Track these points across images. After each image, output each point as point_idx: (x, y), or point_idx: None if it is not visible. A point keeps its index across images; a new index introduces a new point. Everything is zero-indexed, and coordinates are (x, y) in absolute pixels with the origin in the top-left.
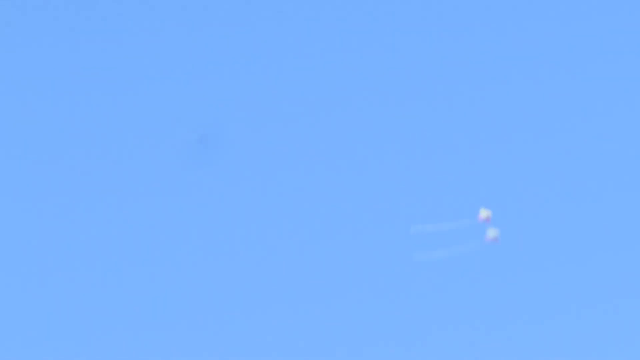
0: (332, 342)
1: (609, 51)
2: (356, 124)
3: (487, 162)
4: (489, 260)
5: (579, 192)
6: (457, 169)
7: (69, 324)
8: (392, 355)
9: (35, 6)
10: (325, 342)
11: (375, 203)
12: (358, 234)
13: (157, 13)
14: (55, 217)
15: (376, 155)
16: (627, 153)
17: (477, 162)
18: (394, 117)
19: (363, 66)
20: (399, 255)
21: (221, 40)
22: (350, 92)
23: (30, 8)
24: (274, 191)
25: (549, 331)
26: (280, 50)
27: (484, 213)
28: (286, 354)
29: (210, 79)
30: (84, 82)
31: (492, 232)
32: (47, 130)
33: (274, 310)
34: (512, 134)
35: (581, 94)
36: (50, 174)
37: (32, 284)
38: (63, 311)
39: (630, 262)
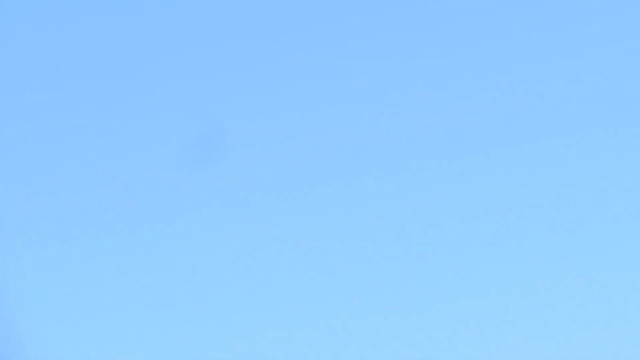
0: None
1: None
2: (358, 123)
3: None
4: None
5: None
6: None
7: (68, 324)
8: None
9: (32, 4)
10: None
11: (379, 202)
12: (360, 234)
13: (156, 12)
14: (53, 217)
15: (380, 153)
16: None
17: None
18: (395, 114)
19: (366, 66)
20: (404, 256)
21: (221, 40)
22: (352, 92)
23: (28, 7)
24: (275, 192)
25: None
26: (281, 50)
27: None
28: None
29: (210, 79)
30: (82, 82)
31: None
32: (46, 129)
33: (274, 310)
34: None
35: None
36: (48, 173)
37: (30, 284)
38: (60, 312)
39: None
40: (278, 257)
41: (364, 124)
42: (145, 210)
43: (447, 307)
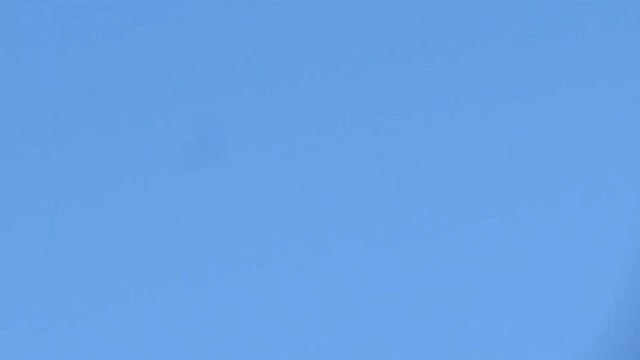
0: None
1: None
2: (358, 124)
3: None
4: None
5: None
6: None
7: (64, 324)
8: None
9: (32, 4)
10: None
11: (378, 203)
12: (360, 235)
13: (156, 12)
14: (52, 217)
15: (380, 154)
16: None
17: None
18: (394, 115)
19: (366, 66)
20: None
21: (221, 40)
22: (353, 93)
23: (28, 6)
24: (275, 192)
25: None
26: (281, 50)
27: None
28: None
29: (210, 79)
30: (82, 82)
31: None
32: (45, 130)
33: (273, 310)
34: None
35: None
36: (47, 174)
37: (28, 284)
38: (58, 312)
39: None
40: (277, 257)
41: (365, 122)
42: (144, 210)
43: None
